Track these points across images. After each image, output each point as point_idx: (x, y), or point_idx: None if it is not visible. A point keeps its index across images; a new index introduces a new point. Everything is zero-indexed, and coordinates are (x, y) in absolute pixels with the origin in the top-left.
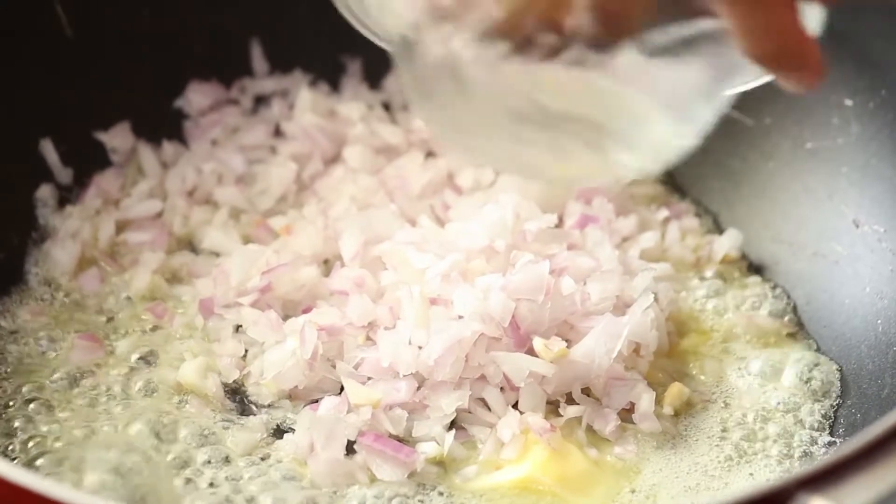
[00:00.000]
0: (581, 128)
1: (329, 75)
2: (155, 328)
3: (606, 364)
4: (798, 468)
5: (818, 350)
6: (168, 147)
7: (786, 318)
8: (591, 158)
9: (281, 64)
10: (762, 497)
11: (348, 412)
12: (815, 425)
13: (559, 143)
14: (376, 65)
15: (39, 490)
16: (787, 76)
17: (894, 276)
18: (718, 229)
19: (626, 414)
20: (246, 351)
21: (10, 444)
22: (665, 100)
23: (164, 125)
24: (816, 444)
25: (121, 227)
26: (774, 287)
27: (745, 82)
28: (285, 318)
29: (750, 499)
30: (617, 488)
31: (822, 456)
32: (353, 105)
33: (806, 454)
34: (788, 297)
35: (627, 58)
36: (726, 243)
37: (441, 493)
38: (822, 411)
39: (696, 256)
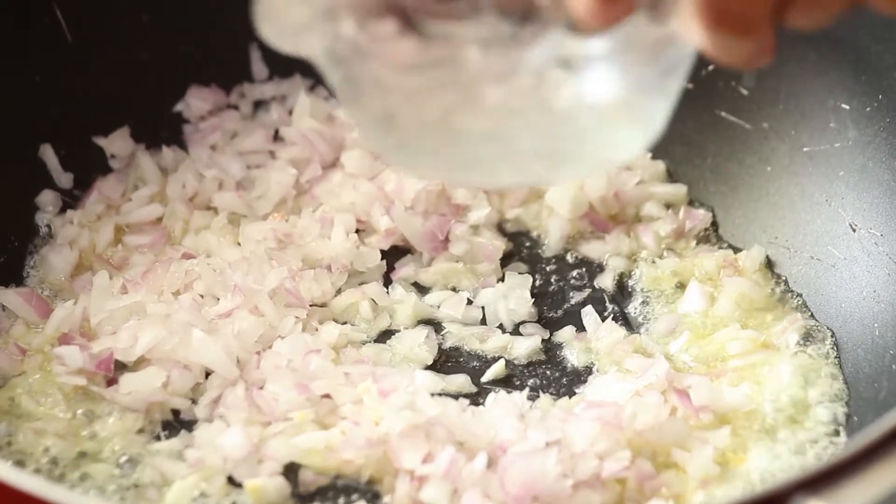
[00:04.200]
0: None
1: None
2: None
3: None
4: (795, 470)
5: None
6: (168, 152)
7: None
8: (540, 167)
9: (280, 69)
10: (759, 499)
11: None
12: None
13: (503, 153)
14: None
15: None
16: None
17: (891, 279)
18: (715, 233)
19: None
20: None
21: None
22: (619, 100)
23: (164, 130)
24: (813, 446)
25: (120, 231)
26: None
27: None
28: None
29: (747, 501)
30: None
31: (819, 458)
32: None
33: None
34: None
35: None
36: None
37: None
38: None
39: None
